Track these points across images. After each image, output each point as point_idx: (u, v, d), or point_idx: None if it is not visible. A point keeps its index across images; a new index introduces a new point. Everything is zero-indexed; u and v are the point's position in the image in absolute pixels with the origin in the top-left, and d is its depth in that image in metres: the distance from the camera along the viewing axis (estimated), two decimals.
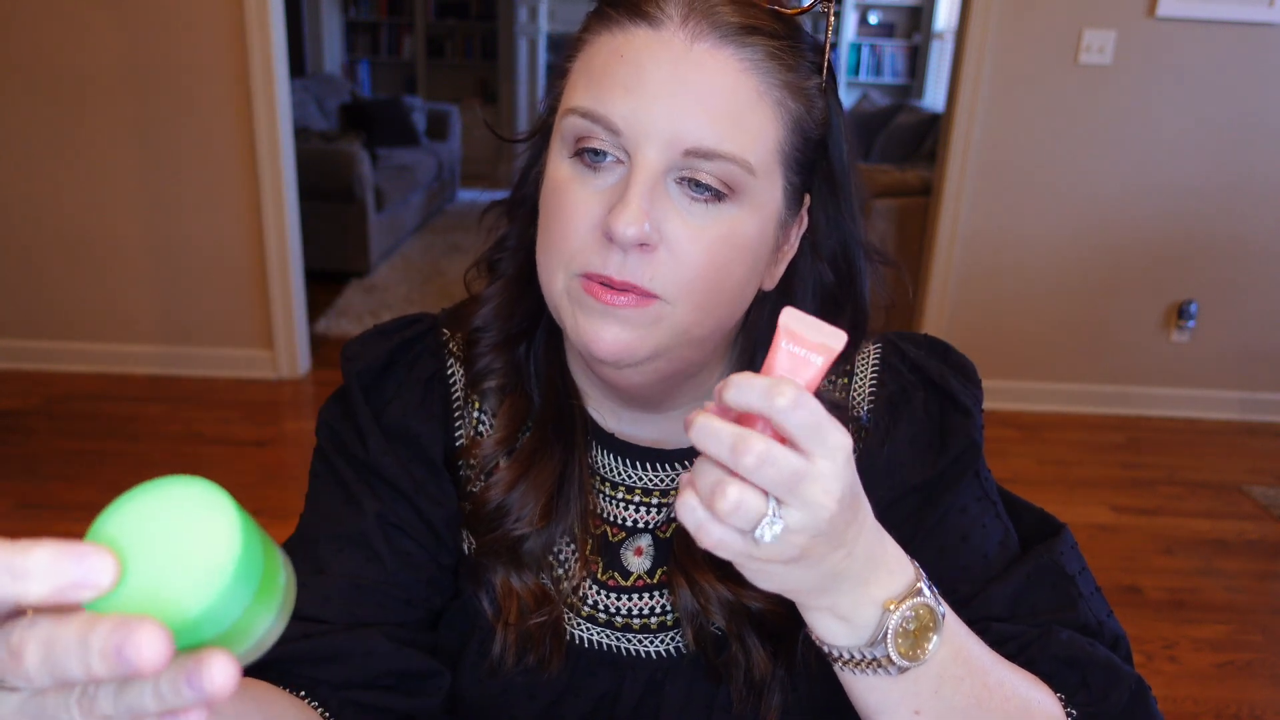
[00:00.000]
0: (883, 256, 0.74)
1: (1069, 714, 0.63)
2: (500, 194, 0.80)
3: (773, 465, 0.45)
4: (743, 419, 0.47)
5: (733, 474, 0.46)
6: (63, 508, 2.59)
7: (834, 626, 0.54)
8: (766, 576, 0.51)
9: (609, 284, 0.61)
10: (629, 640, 0.74)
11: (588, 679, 0.73)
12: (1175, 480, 3.11)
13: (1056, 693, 0.64)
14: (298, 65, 6.54)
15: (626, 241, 0.59)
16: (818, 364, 0.48)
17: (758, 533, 0.46)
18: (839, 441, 0.47)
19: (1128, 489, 3.04)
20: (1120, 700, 0.65)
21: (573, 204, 0.62)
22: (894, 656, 0.53)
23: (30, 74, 3.16)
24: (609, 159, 0.62)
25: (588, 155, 0.62)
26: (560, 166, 0.64)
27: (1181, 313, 3.45)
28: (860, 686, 0.56)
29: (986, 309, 3.47)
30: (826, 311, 0.73)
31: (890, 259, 0.76)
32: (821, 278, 0.72)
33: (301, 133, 4.87)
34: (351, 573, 0.69)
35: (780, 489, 0.46)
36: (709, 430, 0.46)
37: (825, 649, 0.56)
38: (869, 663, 0.54)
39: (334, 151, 4.73)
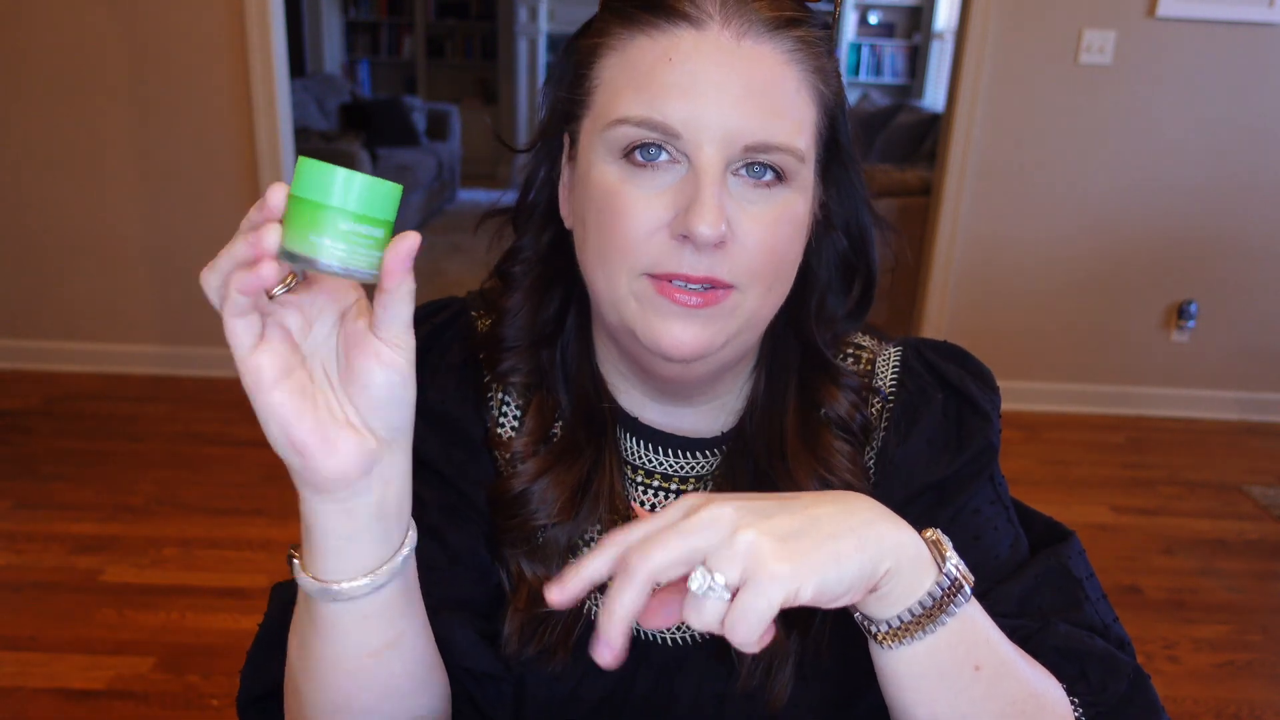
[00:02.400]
0: (884, 220, 0.77)
1: (1072, 703, 0.64)
2: (499, 193, 0.80)
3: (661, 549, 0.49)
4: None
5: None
6: (63, 508, 2.59)
7: (910, 577, 0.53)
8: (815, 578, 0.50)
9: (686, 280, 0.62)
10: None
11: None
12: (1175, 480, 3.11)
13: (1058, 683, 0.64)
14: (298, 65, 6.53)
15: (707, 242, 0.60)
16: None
17: (701, 585, 0.49)
18: (675, 505, 0.52)
19: (1128, 489, 3.04)
20: (1119, 690, 0.65)
21: (632, 207, 0.63)
22: (965, 573, 0.55)
23: (30, 74, 3.16)
24: (663, 157, 0.62)
25: (639, 154, 0.63)
26: (607, 170, 0.64)
27: (1181, 313, 3.45)
28: (930, 655, 0.55)
29: (986, 309, 3.47)
30: (843, 277, 0.75)
31: (890, 224, 0.78)
32: (836, 246, 0.74)
33: (301, 133, 4.88)
34: (424, 562, 0.71)
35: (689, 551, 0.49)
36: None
37: (905, 622, 0.54)
38: (947, 595, 0.54)
39: (334, 151, 4.74)
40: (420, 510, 0.72)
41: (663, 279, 0.63)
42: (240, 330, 0.51)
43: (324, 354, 0.55)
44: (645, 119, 0.61)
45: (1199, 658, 2.22)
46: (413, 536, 0.60)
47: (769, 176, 0.63)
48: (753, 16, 0.62)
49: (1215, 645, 2.26)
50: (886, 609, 0.54)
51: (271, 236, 0.48)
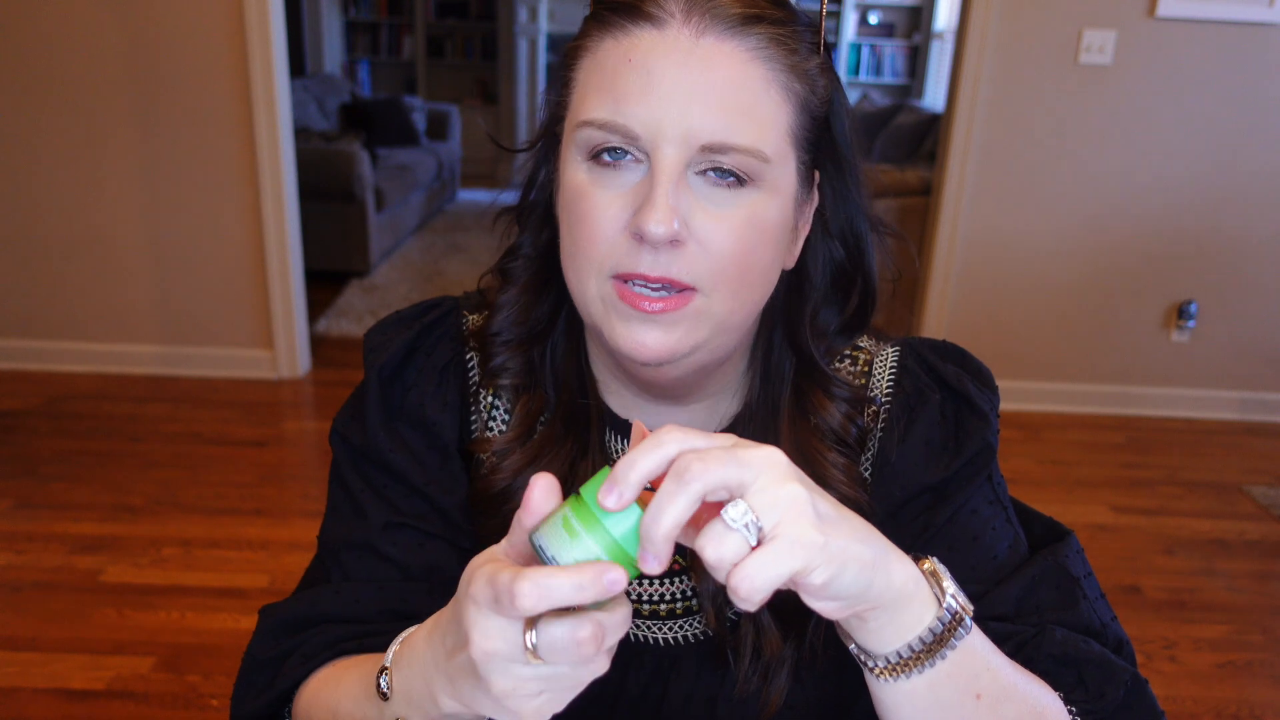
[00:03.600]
0: (888, 228, 0.75)
1: (1070, 711, 0.63)
2: (500, 193, 0.80)
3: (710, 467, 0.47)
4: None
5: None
6: (63, 508, 2.59)
7: (909, 613, 0.53)
8: (835, 566, 0.48)
9: (645, 280, 0.62)
10: (639, 626, 0.75)
11: None
12: (1175, 480, 3.11)
13: (1055, 691, 0.64)
14: (298, 65, 6.54)
15: (658, 240, 0.60)
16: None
17: (738, 518, 0.47)
18: (722, 435, 0.50)
19: (1128, 489, 3.04)
20: (1116, 696, 0.65)
21: (596, 208, 0.63)
22: (965, 604, 0.54)
23: (31, 74, 3.16)
24: (627, 158, 0.63)
25: (605, 154, 0.63)
26: (576, 172, 0.64)
27: (1181, 313, 3.45)
28: (929, 689, 0.55)
29: (986, 309, 3.47)
30: (838, 286, 0.74)
31: (895, 229, 0.77)
32: (832, 253, 0.73)
33: (301, 133, 4.87)
34: (370, 576, 0.72)
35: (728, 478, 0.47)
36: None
37: (904, 658, 0.54)
38: (948, 630, 0.53)
39: (334, 151, 4.73)
40: (365, 527, 0.73)
41: (624, 281, 0.63)
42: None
43: None
44: (606, 121, 0.62)
45: (1199, 658, 2.22)
46: None
47: (730, 178, 0.62)
48: (715, 14, 0.62)
49: (1215, 645, 2.26)
50: (884, 644, 0.54)
51: (619, 579, 0.45)
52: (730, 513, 0.46)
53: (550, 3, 7.62)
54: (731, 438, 0.50)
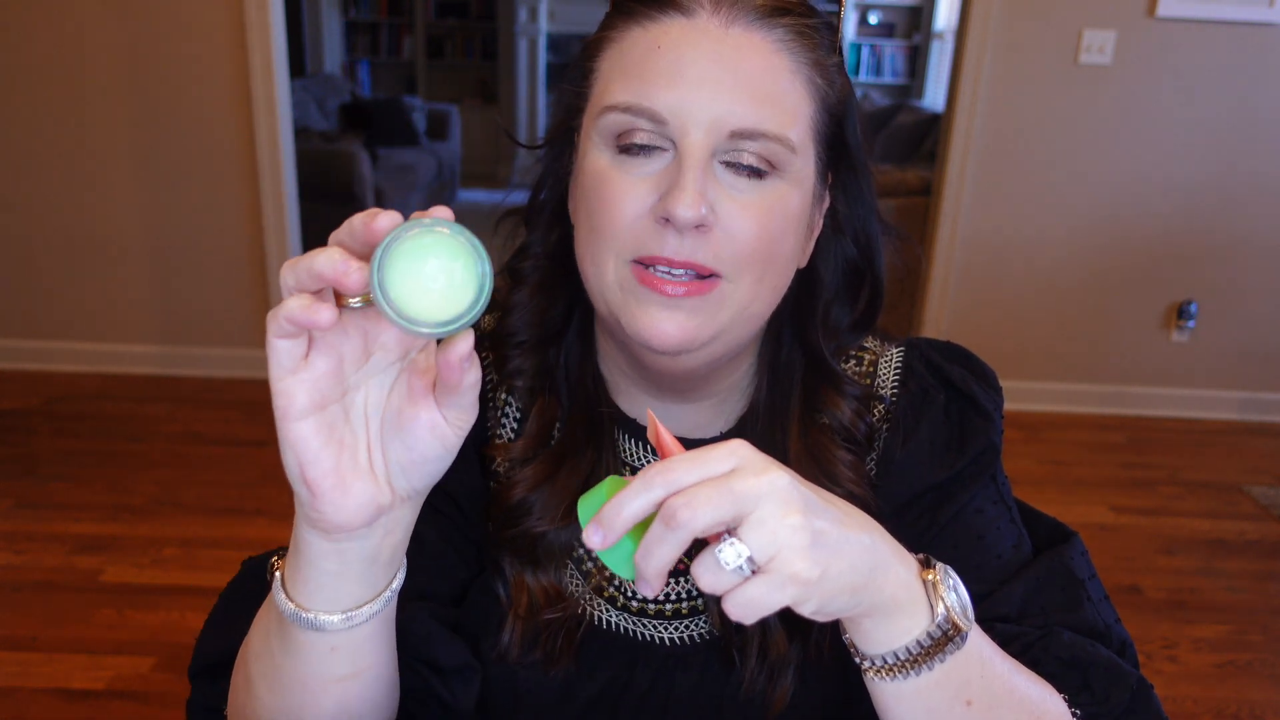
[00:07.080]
0: (897, 230, 0.76)
1: (1074, 714, 0.63)
2: (499, 193, 0.80)
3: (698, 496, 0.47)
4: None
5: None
6: (63, 508, 2.59)
7: (898, 622, 0.53)
8: (825, 598, 0.49)
9: (668, 265, 0.62)
10: (645, 625, 0.75)
11: (602, 661, 0.74)
12: (1175, 480, 3.11)
13: (1060, 693, 0.64)
14: (298, 65, 6.53)
15: (686, 224, 0.60)
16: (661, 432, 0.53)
17: (731, 561, 0.47)
18: (726, 449, 0.49)
19: (1128, 489, 3.04)
20: (1122, 700, 0.65)
21: (620, 191, 0.63)
22: (959, 620, 0.54)
23: (31, 74, 3.16)
24: (652, 144, 0.63)
25: (629, 141, 0.63)
26: (599, 158, 0.65)
27: (1181, 313, 3.45)
28: (916, 694, 0.55)
29: (986, 309, 3.47)
30: (849, 285, 0.75)
31: (902, 232, 0.78)
32: (844, 252, 0.74)
33: (301, 133, 4.87)
34: None
35: (721, 509, 0.47)
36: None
37: (889, 663, 0.54)
38: (937, 645, 0.53)
39: (334, 151, 4.73)
40: None
41: (647, 266, 0.63)
42: (282, 351, 0.47)
43: (373, 389, 0.52)
44: (631, 104, 0.62)
45: (1199, 658, 2.22)
46: (399, 580, 0.58)
47: (757, 165, 0.63)
48: (743, 4, 0.63)
49: (1215, 645, 2.26)
50: (872, 646, 0.54)
51: (357, 277, 0.44)
52: (724, 554, 0.46)
53: (550, 3, 7.61)
54: (735, 455, 0.49)
